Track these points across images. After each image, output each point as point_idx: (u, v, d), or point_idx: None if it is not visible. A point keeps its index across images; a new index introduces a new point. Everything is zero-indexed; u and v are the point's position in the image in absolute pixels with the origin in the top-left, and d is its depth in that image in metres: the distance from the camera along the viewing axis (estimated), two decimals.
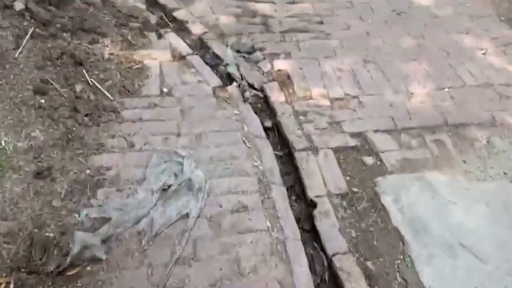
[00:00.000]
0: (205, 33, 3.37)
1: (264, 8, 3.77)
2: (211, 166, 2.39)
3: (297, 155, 2.57)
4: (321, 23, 3.68)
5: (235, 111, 2.76)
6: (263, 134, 2.68)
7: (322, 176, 2.46)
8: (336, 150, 2.62)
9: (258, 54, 3.31)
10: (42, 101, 2.50)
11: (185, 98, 2.78)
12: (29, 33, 2.76)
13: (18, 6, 2.80)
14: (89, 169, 2.28)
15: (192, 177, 2.26)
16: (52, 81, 2.60)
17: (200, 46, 3.31)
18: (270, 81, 3.10)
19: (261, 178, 2.38)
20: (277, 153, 2.66)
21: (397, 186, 2.44)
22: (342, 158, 2.59)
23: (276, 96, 2.96)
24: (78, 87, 2.62)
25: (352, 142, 2.68)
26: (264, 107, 2.98)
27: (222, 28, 3.47)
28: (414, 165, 2.60)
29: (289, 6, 3.84)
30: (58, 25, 2.86)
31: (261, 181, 2.37)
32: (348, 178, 2.47)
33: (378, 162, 2.60)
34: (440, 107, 2.99)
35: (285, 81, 3.11)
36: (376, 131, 2.77)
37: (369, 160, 2.60)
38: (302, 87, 3.05)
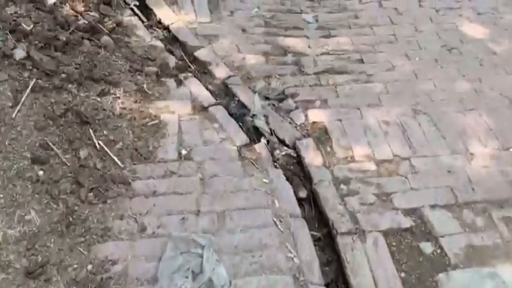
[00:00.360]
0: (230, 77, 2.97)
1: (295, 43, 3.34)
2: (236, 259, 1.98)
3: (339, 240, 2.14)
4: (362, 61, 3.24)
5: (264, 180, 2.35)
6: (297, 210, 2.26)
7: (372, 271, 2.02)
8: (387, 234, 2.18)
9: (290, 101, 2.89)
10: (41, 172, 2.14)
11: (206, 163, 2.38)
12: (30, 87, 2.41)
13: (19, 54, 2.46)
14: (91, 263, 1.90)
15: (213, 277, 1.86)
16: (53, 146, 2.24)
17: (224, 93, 2.91)
18: (304, 136, 2.68)
19: (296, 276, 1.96)
20: (315, 233, 2.24)
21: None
22: (394, 244, 2.15)
23: (312, 158, 2.53)
24: (83, 153, 2.25)
25: (406, 222, 2.24)
26: (297, 170, 2.56)
27: (249, 69, 3.07)
28: (482, 255, 2.14)
29: (324, 40, 3.41)
30: (63, 75, 2.51)
31: (296, 280, 1.94)
32: (403, 275, 2.03)
33: (438, 251, 2.14)
34: (508, 173, 2.51)
35: (321, 136, 2.68)
36: (433, 207, 2.32)
37: (427, 248, 2.15)
38: (342, 146, 2.61)
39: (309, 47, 3.34)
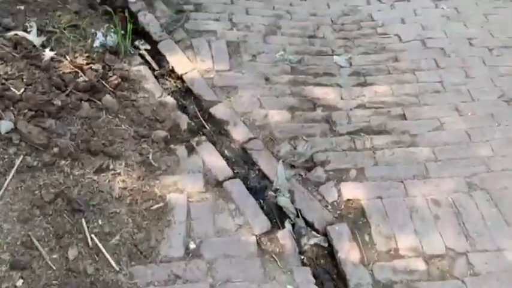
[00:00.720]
0: (250, 139, 2.57)
1: (326, 94, 2.91)
2: None
3: None
4: (404, 117, 2.78)
5: (289, 286, 1.93)
6: None
7: None
8: None
9: (320, 171, 2.46)
10: (20, 282, 1.78)
11: (219, 262, 1.98)
12: (16, 166, 2.07)
13: (5, 126, 2.12)
14: None
15: None
16: (38, 243, 1.89)
17: (243, 160, 2.51)
18: (337, 218, 2.25)
19: None
20: None
21: None
22: None
23: (347, 251, 2.10)
24: (72, 253, 1.89)
25: None
26: (329, 265, 2.13)
27: (273, 129, 2.65)
28: None
29: (360, 90, 2.96)
30: (56, 149, 2.15)
31: None
32: None
33: None
34: None
35: (358, 220, 2.25)
36: None
37: None
38: (383, 234, 2.17)
39: (342, 98, 2.90)
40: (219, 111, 2.71)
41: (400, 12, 3.63)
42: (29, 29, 2.61)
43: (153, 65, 2.97)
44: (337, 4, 3.74)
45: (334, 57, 3.20)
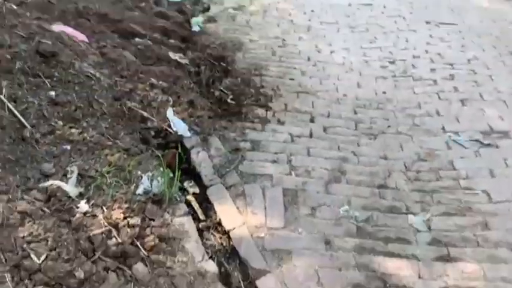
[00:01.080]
0: None
1: (400, 269, 2.39)
2: None
3: None
4: None
5: None
6: None
7: None
8: None
9: None
10: None
11: None
12: None
13: None
14: None
15: None
16: None
17: None
18: None
19: None
20: None
21: None
22: None
23: None
24: None
25: None
26: None
27: None
28: None
29: (442, 267, 2.41)
30: None
31: None
32: None
33: None
34: None
35: None
36: None
37: None
38: None
39: (420, 276, 2.36)
40: (267, 286, 2.26)
41: (487, 161, 3.13)
42: (69, 175, 2.40)
43: (199, 214, 2.65)
44: (411, 145, 3.33)
45: (410, 216, 2.71)
